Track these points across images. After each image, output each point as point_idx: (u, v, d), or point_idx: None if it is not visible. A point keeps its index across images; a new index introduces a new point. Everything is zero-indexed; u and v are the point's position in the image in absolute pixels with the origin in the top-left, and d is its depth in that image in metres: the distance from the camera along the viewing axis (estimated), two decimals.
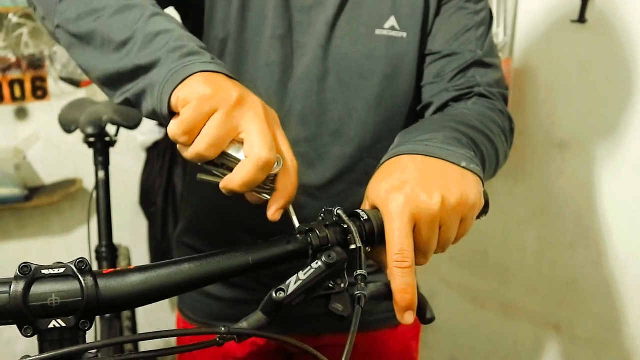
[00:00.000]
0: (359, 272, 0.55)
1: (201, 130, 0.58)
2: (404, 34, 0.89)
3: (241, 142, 0.59)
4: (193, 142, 0.58)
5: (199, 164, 0.61)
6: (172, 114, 0.61)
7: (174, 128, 0.58)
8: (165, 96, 0.61)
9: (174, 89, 0.60)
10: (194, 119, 0.57)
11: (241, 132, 0.59)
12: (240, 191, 0.58)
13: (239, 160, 0.58)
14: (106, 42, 0.68)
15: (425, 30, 0.90)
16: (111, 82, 0.69)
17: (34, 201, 2.15)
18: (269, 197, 0.61)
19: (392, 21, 0.88)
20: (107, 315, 1.37)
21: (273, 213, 0.60)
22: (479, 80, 0.87)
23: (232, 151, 0.59)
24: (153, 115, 0.65)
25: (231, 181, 0.58)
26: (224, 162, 0.60)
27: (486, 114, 0.82)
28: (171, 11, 0.87)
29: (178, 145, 0.61)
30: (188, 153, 0.59)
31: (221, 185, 0.59)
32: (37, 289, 0.49)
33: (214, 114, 0.58)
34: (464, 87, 0.86)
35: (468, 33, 0.89)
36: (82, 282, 0.50)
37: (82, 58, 0.72)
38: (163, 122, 0.64)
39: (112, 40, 0.67)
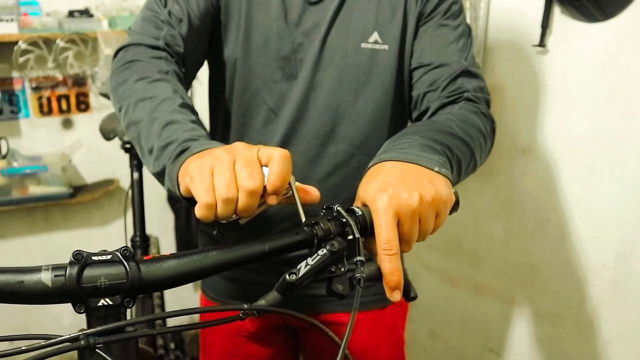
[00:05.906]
0: (358, 258, 0.55)
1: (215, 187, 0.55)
2: (386, 47, 0.89)
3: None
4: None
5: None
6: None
7: (200, 209, 0.55)
8: (176, 191, 0.61)
9: (178, 186, 0.60)
10: (201, 180, 0.56)
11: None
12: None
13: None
14: (141, 149, 0.70)
15: (404, 43, 0.90)
16: (156, 178, 0.70)
17: (77, 198, 2.16)
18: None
19: (375, 36, 0.89)
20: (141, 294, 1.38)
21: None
22: (467, 86, 0.87)
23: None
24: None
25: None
26: None
27: (469, 118, 0.81)
28: None
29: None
30: (242, 209, 0.56)
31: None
32: (88, 272, 0.49)
33: (213, 169, 0.56)
34: (455, 94, 0.86)
35: (452, 45, 0.89)
36: (127, 266, 0.50)
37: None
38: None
39: (143, 148, 0.69)
